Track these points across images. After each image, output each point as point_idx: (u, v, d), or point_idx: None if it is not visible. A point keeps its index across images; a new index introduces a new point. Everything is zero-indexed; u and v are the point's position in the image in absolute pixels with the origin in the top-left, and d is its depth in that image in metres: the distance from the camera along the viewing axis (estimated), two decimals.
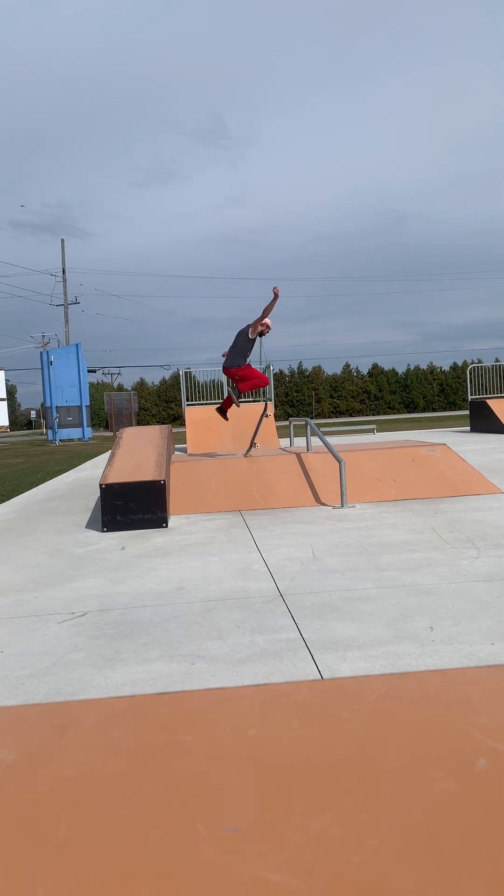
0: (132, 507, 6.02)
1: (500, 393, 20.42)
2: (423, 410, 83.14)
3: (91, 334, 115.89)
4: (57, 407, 30.18)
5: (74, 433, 30.60)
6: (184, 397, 17.01)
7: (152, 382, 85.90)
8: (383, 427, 28.07)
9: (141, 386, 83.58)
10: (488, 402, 18.14)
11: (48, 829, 0.67)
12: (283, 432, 17.58)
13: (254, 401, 16.95)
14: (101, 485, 6.10)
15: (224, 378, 15.84)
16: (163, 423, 21.27)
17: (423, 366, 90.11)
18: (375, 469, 7.24)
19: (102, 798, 0.72)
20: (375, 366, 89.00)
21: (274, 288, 7.78)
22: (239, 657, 2.71)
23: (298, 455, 7.73)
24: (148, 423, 63.30)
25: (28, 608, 3.65)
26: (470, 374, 20.70)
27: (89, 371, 39.18)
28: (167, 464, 7.01)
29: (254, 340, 8.29)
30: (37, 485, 10.50)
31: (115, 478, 6.22)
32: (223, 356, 8.55)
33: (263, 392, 17.35)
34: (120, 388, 72.48)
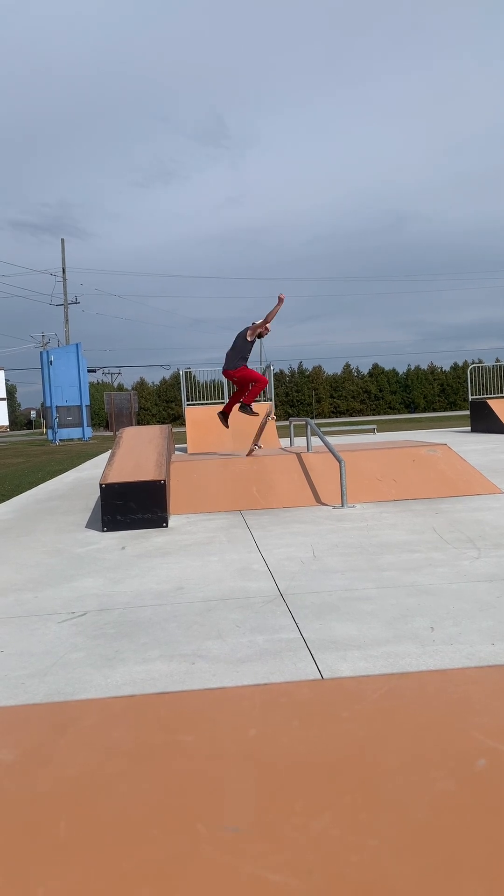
0: (132, 506, 6.02)
1: (501, 393, 20.41)
2: (424, 410, 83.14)
3: (91, 334, 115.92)
4: (57, 407, 30.19)
5: (74, 433, 30.61)
6: (184, 397, 17.01)
7: (152, 382, 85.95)
8: (384, 427, 28.07)
9: (141, 386, 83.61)
10: (489, 402, 18.13)
11: (48, 829, 0.67)
12: (283, 432, 17.58)
13: (255, 401, 16.94)
14: (101, 484, 6.10)
15: (224, 380, 15.88)
16: (163, 423, 21.26)
17: (424, 366, 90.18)
18: (376, 469, 7.24)
19: (102, 798, 0.72)
20: (376, 366, 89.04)
21: (279, 295, 8.11)
22: (239, 657, 2.71)
23: (299, 455, 7.73)
24: (148, 423, 63.30)
25: (28, 608, 3.65)
26: (470, 374, 20.70)
27: (89, 371, 39.19)
28: (167, 464, 7.01)
29: (252, 342, 8.41)
30: (37, 484, 10.50)
31: (116, 477, 6.22)
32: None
33: (264, 392, 17.37)
34: (120, 388, 72.51)
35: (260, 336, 8.42)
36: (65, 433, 30.39)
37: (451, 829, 0.63)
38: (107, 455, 14.32)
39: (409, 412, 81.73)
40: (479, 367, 21.16)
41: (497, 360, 23.79)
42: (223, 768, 0.76)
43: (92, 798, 0.72)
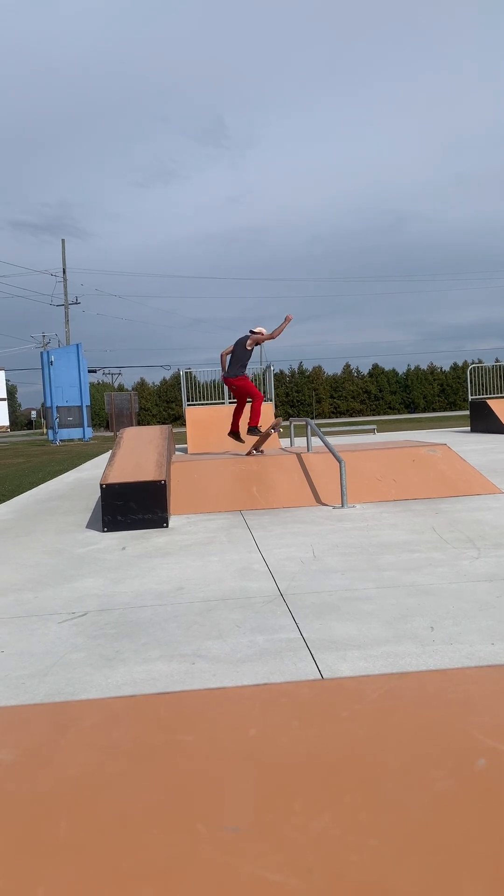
0: (132, 507, 6.02)
1: (501, 393, 20.41)
2: (424, 410, 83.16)
3: (91, 334, 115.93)
4: (57, 407, 30.19)
5: (75, 433, 30.61)
6: (184, 397, 17.01)
7: (153, 382, 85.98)
8: (384, 427, 28.07)
9: (141, 386, 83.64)
10: (489, 402, 18.13)
11: (48, 828, 0.67)
12: (283, 432, 17.58)
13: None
14: (101, 485, 6.10)
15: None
16: (163, 423, 21.27)
17: (424, 366, 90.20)
18: (376, 469, 7.24)
19: (102, 798, 0.72)
20: (376, 366, 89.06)
21: (287, 315, 8.54)
22: (239, 657, 2.71)
23: (299, 455, 7.73)
24: (148, 423, 63.33)
25: (28, 608, 3.66)
26: (470, 374, 20.70)
27: (90, 371, 39.20)
28: (168, 464, 7.01)
29: (251, 351, 8.65)
30: (37, 485, 10.51)
31: (116, 478, 6.22)
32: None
33: (264, 393, 17.39)
34: (120, 389, 72.52)
35: (258, 342, 8.68)
36: (65, 433, 30.39)
37: (452, 828, 0.63)
38: (107, 455, 14.33)
39: (409, 412, 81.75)
40: (478, 367, 21.16)
41: (497, 360, 23.81)
42: (223, 768, 0.76)
43: (92, 798, 0.72)
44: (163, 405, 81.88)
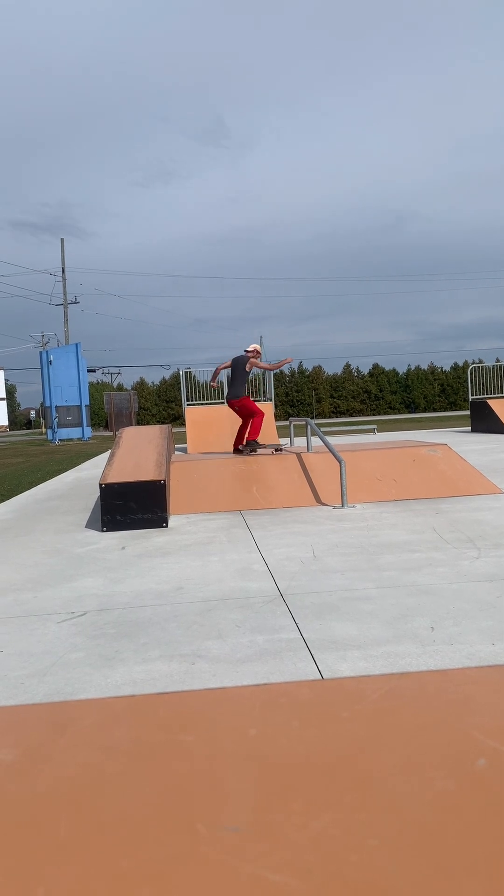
0: (132, 506, 6.02)
1: (501, 393, 20.41)
2: (424, 410, 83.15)
3: (91, 334, 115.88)
4: (56, 406, 30.19)
5: (74, 433, 30.60)
6: (184, 397, 17.01)
7: (152, 382, 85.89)
8: (384, 427, 28.07)
9: (141, 386, 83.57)
10: (489, 402, 18.14)
11: (48, 828, 0.67)
12: (283, 432, 17.57)
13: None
14: (100, 484, 6.10)
15: (225, 380, 15.91)
16: (163, 423, 21.26)
17: (424, 366, 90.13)
18: (376, 469, 7.24)
19: (102, 798, 0.72)
20: (376, 366, 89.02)
21: (288, 357, 9.33)
22: (239, 657, 2.71)
23: (299, 455, 7.74)
24: (148, 423, 63.31)
25: (27, 608, 3.65)
26: (471, 374, 20.70)
27: (89, 371, 39.16)
28: (167, 463, 7.01)
29: (249, 371, 9.06)
30: (36, 484, 10.50)
31: (115, 477, 6.22)
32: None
33: (264, 392, 17.40)
34: (120, 388, 72.54)
35: (255, 366, 9.18)
36: (64, 433, 30.39)
37: (451, 828, 0.63)
38: (106, 455, 14.32)
39: (410, 412, 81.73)
40: (479, 367, 21.16)
41: (497, 360, 23.81)
42: (223, 768, 0.76)
43: (92, 798, 0.72)
44: (162, 405, 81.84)
